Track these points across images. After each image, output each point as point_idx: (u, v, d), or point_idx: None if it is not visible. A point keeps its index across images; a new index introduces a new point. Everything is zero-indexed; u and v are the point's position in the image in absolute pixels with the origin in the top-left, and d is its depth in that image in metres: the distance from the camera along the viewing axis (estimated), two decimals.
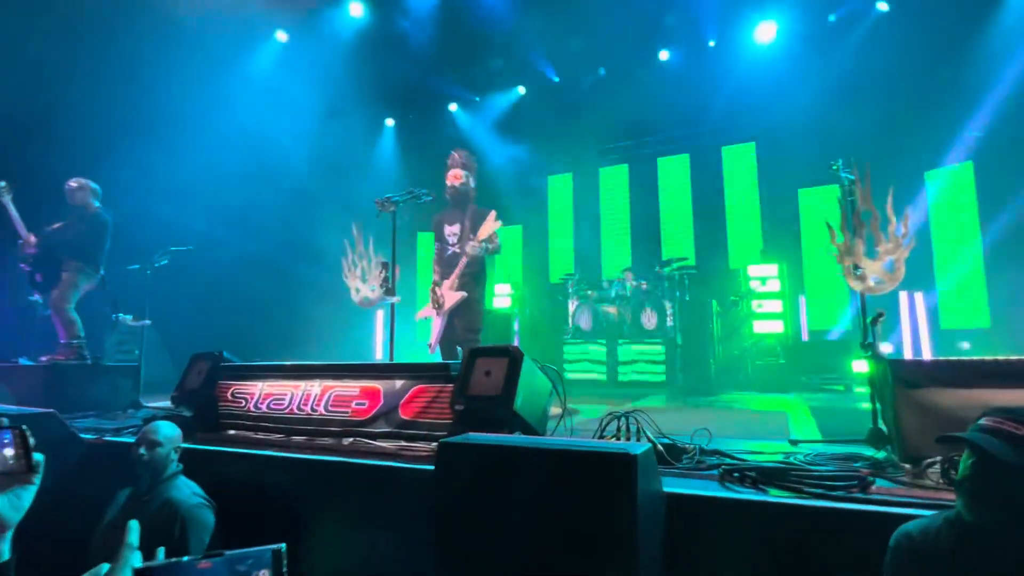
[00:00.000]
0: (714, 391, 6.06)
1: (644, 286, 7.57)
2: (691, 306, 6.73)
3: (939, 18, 6.72)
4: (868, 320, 2.51)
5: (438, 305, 4.17)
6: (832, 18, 7.58)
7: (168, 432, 2.47)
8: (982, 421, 1.32)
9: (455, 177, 4.46)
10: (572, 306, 8.03)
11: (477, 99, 10.19)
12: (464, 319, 4.18)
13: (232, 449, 2.94)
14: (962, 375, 2.17)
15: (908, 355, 6.69)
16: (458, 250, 4.29)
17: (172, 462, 2.44)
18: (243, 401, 3.36)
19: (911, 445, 2.18)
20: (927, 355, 6.56)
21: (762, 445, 2.94)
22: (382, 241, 4.09)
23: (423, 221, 9.46)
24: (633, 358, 7.21)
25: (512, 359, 2.81)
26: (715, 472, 2.24)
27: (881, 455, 2.44)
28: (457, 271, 4.19)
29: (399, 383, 3.08)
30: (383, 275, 3.85)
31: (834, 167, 3.08)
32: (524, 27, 8.54)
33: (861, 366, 5.94)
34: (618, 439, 2.57)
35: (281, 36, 8.48)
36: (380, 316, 7.70)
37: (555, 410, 3.68)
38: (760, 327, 7.15)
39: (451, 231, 4.39)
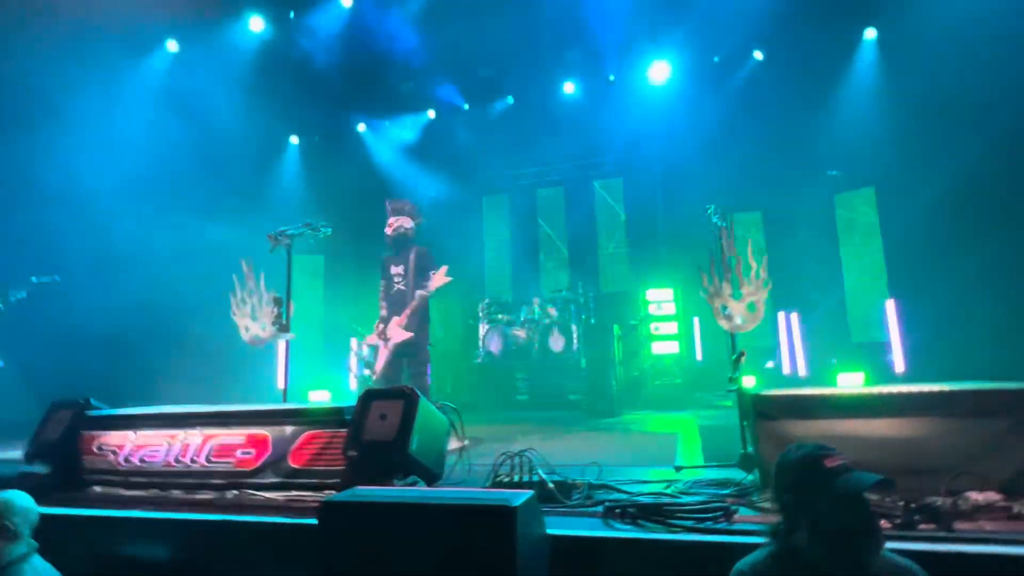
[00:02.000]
0: (616, 412, 6.32)
1: (553, 311, 7.78)
2: (595, 330, 7.00)
3: (801, 70, 7.55)
4: (732, 358, 2.74)
5: (385, 338, 4.68)
6: (716, 59, 8.27)
7: (17, 505, 2.20)
8: (794, 453, 1.47)
9: (401, 223, 4.90)
10: (483, 330, 8.09)
11: (387, 121, 10.10)
12: (414, 357, 4.67)
13: (98, 512, 2.68)
14: (810, 408, 2.42)
15: (787, 370, 7.32)
16: (403, 287, 4.76)
17: (22, 541, 2.16)
18: (111, 454, 3.08)
19: (768, 472, 2.39)
20: (802, 371, 7.21)
21: (650, 473, 3.11)
22: (277, 275, 3.94)
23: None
24: (541, 382, 7.37)
25: (408, 401, 2.79)
26: (601, 509, 2.34)
27: (751, 478, 2.66)
28: (407, 312, 4.65)
29: (289, 429, 2.97)
30: (276, 312, 3.70)
31: (708, 211, 3.35)
32: (433, 52, 8.62)
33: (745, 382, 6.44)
34: (511, 479, 2.62)
35: (172, 46, 7.97)
36: (283, 353, 7.32)
37: (456, 443, 3.67)
38: (658, 348, 7.57)
39: (396, 271, 4.87)
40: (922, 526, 1.98)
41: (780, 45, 7.83)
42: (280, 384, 3.89)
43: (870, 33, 7.45)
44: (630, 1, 7.56)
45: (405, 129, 10.05)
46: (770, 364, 7.15)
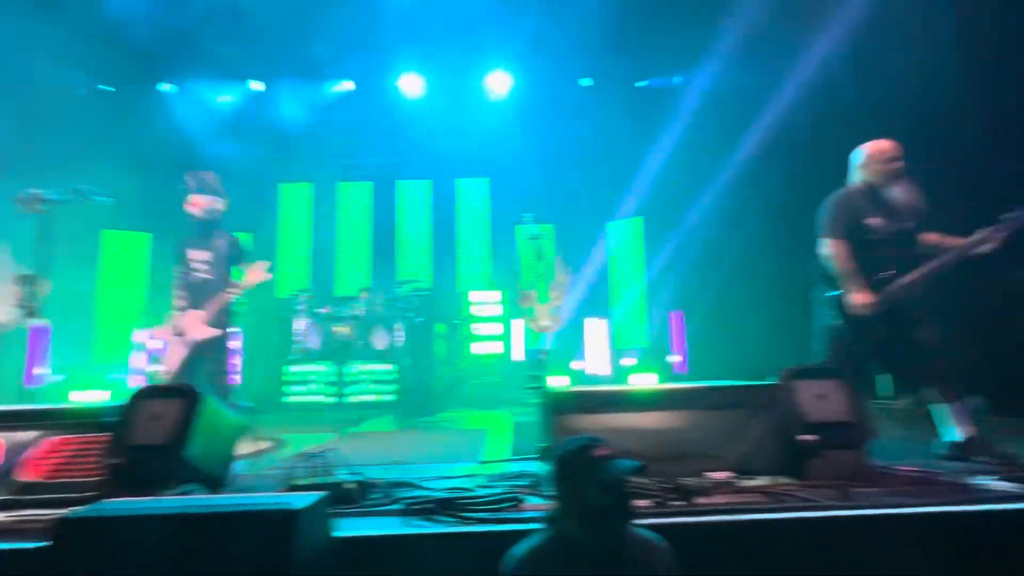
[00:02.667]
0: (435, 410, 6.35)
1: (379, 307, 7.58)
2: (420, 328, 6.97)
3: (623, 100, 8.40)
4: (537, 354, 2.92)
5: (180, 332, 4.10)
6: (550, 83, 8.81)
7: None
8: (568, 445, 1.61)
9: (212, 203, 4.27)
10: (300, 324, 7.56)
11: (202, 83, 8.94)
12: (214, 355, 4.14)
13: None
14: (594, 403, 2.68)
15: (590, 370, 8.02)
16: (208, 276, 4.16)
17: None
18: None
19: None
20: (605, 369, 7.97)
21: (456, 469, 3.16)
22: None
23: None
24: (361, 379, 7.12)
25: (188, 400, 2.48)
26: (400, 507, 2.32)
27: (547, 469, 2.85)
28: (214, 307, 4.09)
29: (28, 435, 2.45)
30: (22, 292, 3.04)
31: (525, 219, 3.56)
32: (265, 17, 7.84)
33: (555, 382, 6.95)
34: (308, 481, 2.47)
35: None
36: (36, 343, 5.98)
37: (256, 446, 3.37)
38: (478, 348, 7.80)
39: (199, 256, 4.21)
40: (673, 503, 2.29)
41: (602, 76, 8.60)
42: (30, 380, 3.21)
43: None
44: (477, 7, 7.71)
45: (225, 97, 9.01)
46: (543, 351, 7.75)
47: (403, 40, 8.36)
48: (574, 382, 6.79)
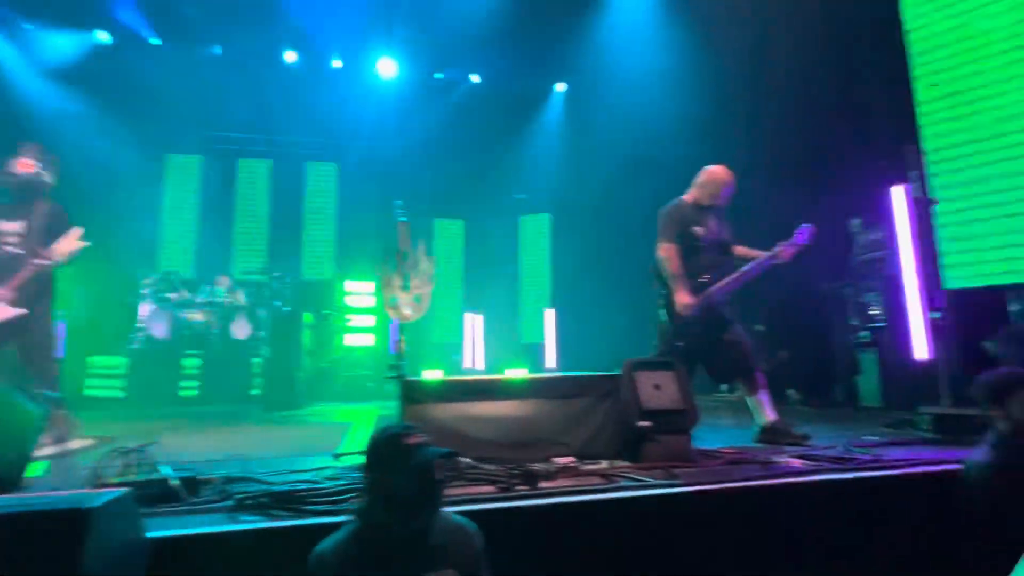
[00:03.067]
0: (299, 404, 6.04)
1: (240, 296, 7.03)
2: (286, 317, 6.58)
3: (506, 103, 8.55)
4: (394, 344, 2.88)
5: None
6: (439, 76, 8.72)
7: None
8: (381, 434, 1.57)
9: (24, 165, 3.71)
10: (145, 310, 6.80)
11: (28, 27, 7.68)
12: (36, 342, 3.63)
13: None
14: (449, 393, 2.70)
15: (468, 364, 8.10)
16: (19, 250, 3.61)
17: None
18: None
19: None
20: (480, 365, 8.08)
21: (309, 462, 3.02)
22: None
23: None
24: (207, 371, 6.56)
25: None
26: (230, 503, 2.16)
27: None
28: (16, 282, 3.53)
29: None
30: None
31: (397, 205, 3.48)
32: None
33: (430, 374, 6.92)
34: (125, 479, 2.21)
35: None
36: None
37: (79, 443, 2.98)
38: (351, 340, 7.54)
39: (10, 227, 3.66)
40: (519, 488, 2.37)
41: (493, 74, 8.71)
42: None
43: (560, 86, 8.88)
44: None
45: (65, 46, 7.83)
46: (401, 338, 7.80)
47: (284, 8, 7.83)
48: (449, 375, 6.80)
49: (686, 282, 3.42)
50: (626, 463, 2.69)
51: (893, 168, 4.13)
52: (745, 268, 3.46)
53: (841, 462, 2.66)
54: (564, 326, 7.77)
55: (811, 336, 6.34)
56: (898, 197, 4.07)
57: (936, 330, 3.86)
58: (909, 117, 3.96)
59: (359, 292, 7.77)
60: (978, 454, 2.30)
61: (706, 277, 3.47)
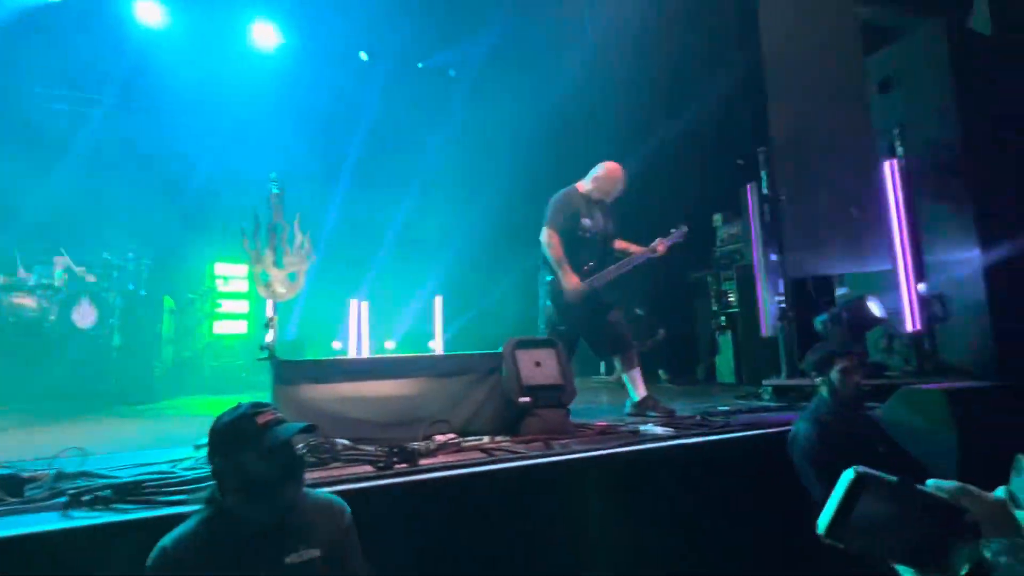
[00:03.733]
0: (157, 396, 5.47)
1: (89, 276, 6.18)
2: (141, 302, 5.91)
3: (402, 79, 8.32)
4: (264, 323, 2.71)
5: None
6: (326, 46, 8.25)
7: None
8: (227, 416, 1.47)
9: None
10: None
11: None
12: None
13: None
14: (324, 373, 2.60)
15: (353, 353, 7.81)
16: None
17: None
18: None
19: None
20: (366, 352, 7.84)
21: (163, 455, 2.75)
22: None
23: None
24: (58, 365, 5.73)
25: None
26: (64, 500, 1.91)
27: None
28: None
29: None
30: None
31: (271, 177, 3.26)
32: None
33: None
34: None
35: None
36: None
37: None
38: (222, 328, 6.96)
39: None
40: (398, 466, 2.34)
41: (385, 50, 8.39)
42: None
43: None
44: None
45: None
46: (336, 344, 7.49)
47: None
48: None
49: (570, 268, 3.57)
50: (506, 438, 2.76)
51: (750, 167, 4.60)
52: (624, 261, 3.70)
53: (698, 427, 2.93)
54: (453, 312, 7.79)
55: (679, 321, 6.93)
56: (752, 195, 4.54)
57: (779, 313, 4.38)
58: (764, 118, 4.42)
59: (232, 276, 7.17)
60: (803, 417, 2.65)
61: (589, 266, 3.64)
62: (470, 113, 8.15)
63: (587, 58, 6.80)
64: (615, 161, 3.84)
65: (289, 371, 2.55)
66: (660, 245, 3.72)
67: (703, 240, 6.63)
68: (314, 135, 7.80)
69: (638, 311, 6.93)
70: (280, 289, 2.84)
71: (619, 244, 3.86)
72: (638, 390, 3.62)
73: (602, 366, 7.46)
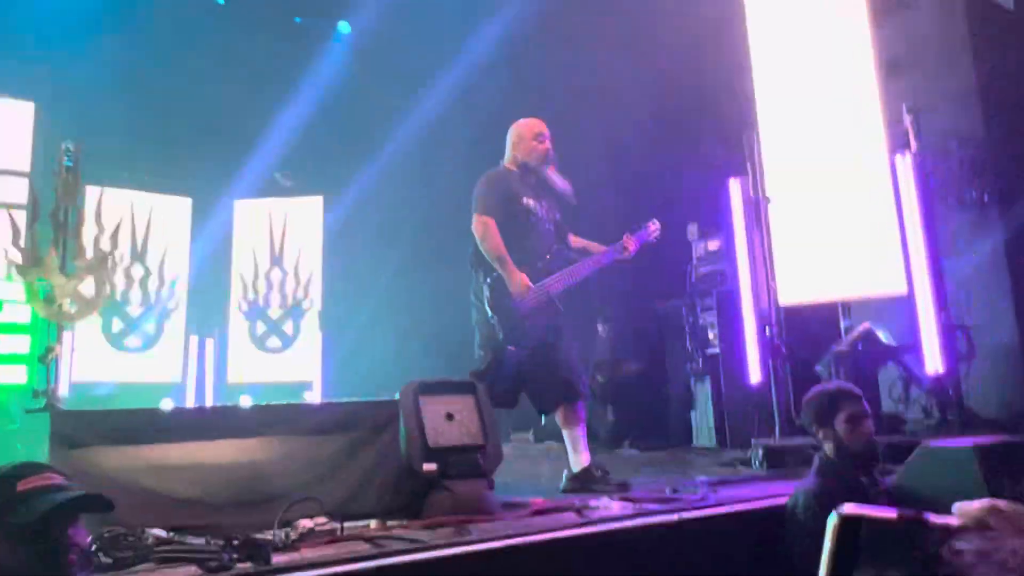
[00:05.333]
0: None
1: None
2: None
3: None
4: (38, 356, 2.48)
5: None
6: None
7: None
8: None
9: None
10: None
11: None
12: None
13: None
14: (135, 429, 2.41)
15: (191, 400, 7.42)
16: None
17: None
18: None
19: None
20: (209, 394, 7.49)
21: None
22: None
23: None
24: None
25: None
26: None
27: None
28: None
29: None
30: None
31: (65, 149, 3.05)
32: None
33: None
34: None
35: None
36: None
37: None
38: None
39: None
40: (241, 565, 2.16)
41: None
42: None
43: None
44: None
45: None
46: (167, 402, 7.09)
47: None
48: None
49: (512, 263, 3.51)
50: (403, 521, 2.66)
51: (734, 159, 4.77)
52: (588, 260, 3.72)
53: (667, 503, 2.91)
54: (338, 353, 7.62)
55: (643, 366, 7.03)
56: (735, 195, 4.70)
57: (770, 352, 4.51)
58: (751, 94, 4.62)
59: (8, 299, 6.62)
60: (803, 483, 2.69)
61: (545, 259, 3.64)
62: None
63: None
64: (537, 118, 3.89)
65: (74, 427, 2.33)
66: (630, 243, 3.78)
67: (674, 259, 6.81)
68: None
69: (599, 328, 7.02)
70: (67, 306, 2.62)
71: (575, 241, 3.88)
72: (580, 455, 3.59)
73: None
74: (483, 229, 3.55)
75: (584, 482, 3.49)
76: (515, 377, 3.56)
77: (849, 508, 1.93)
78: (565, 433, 3.64)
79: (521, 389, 3.66)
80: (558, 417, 3.68)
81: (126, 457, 2.37)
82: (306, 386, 7.78)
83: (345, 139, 8.22)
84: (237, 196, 8.53)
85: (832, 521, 1.45)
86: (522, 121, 3.84)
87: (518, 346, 3.52)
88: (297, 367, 8.18)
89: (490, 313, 3.50)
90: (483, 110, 6.90)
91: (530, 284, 3.51)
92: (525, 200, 3.67)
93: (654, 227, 3.90)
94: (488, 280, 3.53)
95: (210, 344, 7.97)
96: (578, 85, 7.19)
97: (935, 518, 1.80)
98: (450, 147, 7.46)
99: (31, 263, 2.51)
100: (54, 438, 2.29)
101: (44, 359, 2.46)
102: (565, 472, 3.62)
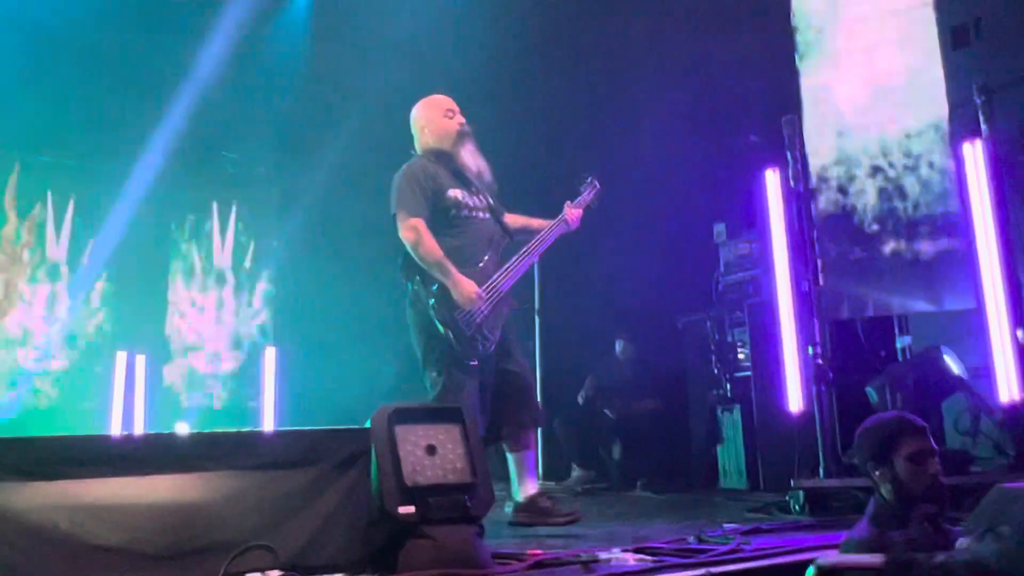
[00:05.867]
0: None
1: None
2: None
3: None
4: None
5: None
6: None
7: None
8: None
9: None
10: None
11: None
12: None
13: None
14: (48, 460, 2.36)
15: (117, 427, 7.36)
16: None
17: None
18: None
19: None
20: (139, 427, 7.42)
21: None
22: None
23: None
24: None
25: None
26: None
27: None
28: None
29: None
30: None
31: None
32: None
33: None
34: None
35: None
36: None
37: None
38: None
39: None
40: None
41: None
42: None
43: None
44: None
45: None
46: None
47: None
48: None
49: (452, 265, 3.59)
50: (375, 575, 2.63)
51: (769, 147, 4.77)
52: (531, 245, 3.85)
53: (690, 555, 2.88)
54: (293, 369, 7.59)
55: (662, 394, 6.99)
56: (771, 189, 4.68)
57: (815, 375, 4.48)
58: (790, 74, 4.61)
59: None
60: (856, 532, 2.66)
61: (486, 259, 3.72)
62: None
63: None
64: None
65: None
66: (571, 210, 3.93)
67: (698, 264, 6.80)
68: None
69: (618, 346, 7.02)
70: None
71: (512, 220, 4.01)
72: (528, 482, 3.69)
73: (538, 464, 7.39)
74: (414, 234, 3.62)
75: (533, 514, 3.61)
76: (482, 397, 3.62)
77: (827, 559, 1.93)
78: (513, 457, 3.74)
79: (486, 407, 3.69)
80: (507, 437, 3.76)
81: (39, 494, 2.31)
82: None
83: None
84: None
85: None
86: (425, 100, 3.96)
87: (481, 360, 3.59)
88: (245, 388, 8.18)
89: (441, 328, 3.54)
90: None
91: (478, 290, 3.58)
92: (451, 192, 3.77)
93: (595, 189, 4.06)
94: (434, 288, 3.57)
95: (140, 361, 7.91)
96: (581, 63, 7.23)
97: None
98: None
99: None
100: None
101: None
102: (509, 502, 3.74)
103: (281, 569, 2.50)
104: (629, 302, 7.14)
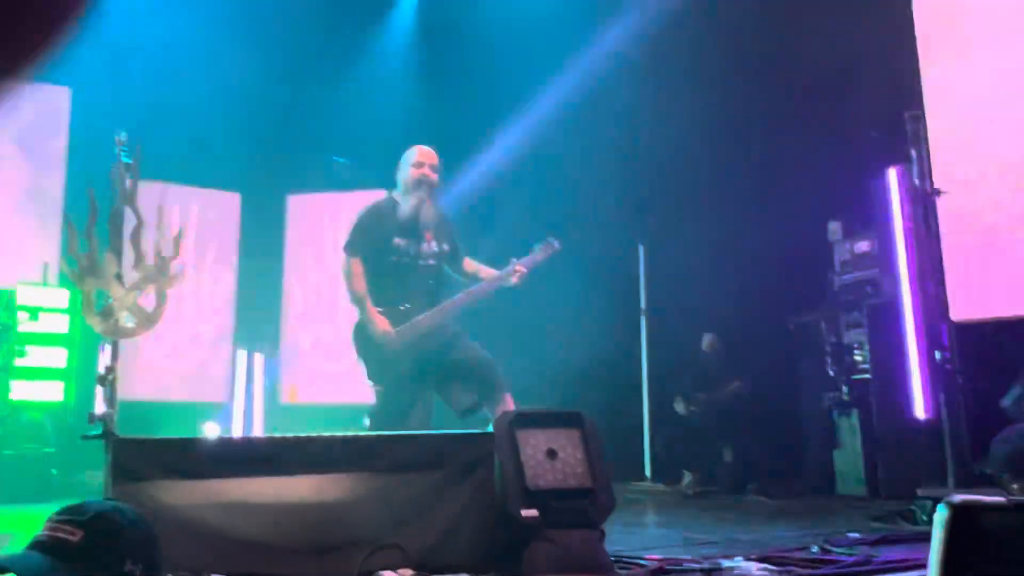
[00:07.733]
0: None
1: None
2: None
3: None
4: (99, 378, 2.61)
5: None
6: None
7: None
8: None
9: None
10: None
11: None
12: None
13: None
14: (200, 461, 2.50)
15: (239, 432, 7.68)
16: None
17: None
18: None
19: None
20: (259, 431, 7.71)
21: None
22: None
23: None
24: None
25: None
26: None
27: None
28: None
29: None
30: None
31: (119, 138, 3.24)
32: None
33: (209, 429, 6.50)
34: None
35: None
36: None
37: None
38: (22, 391, 6.77)
39: None
40: None
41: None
42: None
43: None
44: None
45: None
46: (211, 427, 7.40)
47: None
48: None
49: (372, 306, 4.07)
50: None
51: (889, 143, 4.63)
52: (462, 295, 4.23)
53: (817, 565, 2.83)
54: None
55: (772, 393, 6.86)
56: (894, 186, 4.55)
57: (942, 381, 4.33)
58: (910, 70, 4.47)
59: (45, 305, 7.04)
60: None
61: (406, 306, 4.11)
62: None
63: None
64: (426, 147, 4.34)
65: (134, 457, 2.44)
66: (518, 267, 4.18)
67: (811, 264, 6.65)
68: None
69: (704, 340, 6.92)
70: (126, 322, 2.76)
71: (468, 266, 4.42)
72: None
73: (646, 466, 7.35)
74: (347, 272, 4.16)
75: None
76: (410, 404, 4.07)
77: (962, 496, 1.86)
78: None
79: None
80: (485, 406, 4.04)
81: (190, 492, 2.46)
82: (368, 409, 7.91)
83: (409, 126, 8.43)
84: (290, 190, 8.84)
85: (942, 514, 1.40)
86: (411, 147, 4.32)
87: (400, 381, 4.06)
88: (359, 386, 8.34)
89: (358, 354, 4.19)
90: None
91: (389, 330, 4.02)
92: (396, 241, 4.13)
93: (552, 249, 4.29)
94: (359, 321, 4.16)
95: (259, 359, 8.23)
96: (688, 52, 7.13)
97: None
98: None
99: (88, 271, 2.65)
100: (116, 470, 2.40)
101: (104, 380, 2.59)
102: None
103: (411, 568, 2.59)
104: (736, 302, 7.01)
